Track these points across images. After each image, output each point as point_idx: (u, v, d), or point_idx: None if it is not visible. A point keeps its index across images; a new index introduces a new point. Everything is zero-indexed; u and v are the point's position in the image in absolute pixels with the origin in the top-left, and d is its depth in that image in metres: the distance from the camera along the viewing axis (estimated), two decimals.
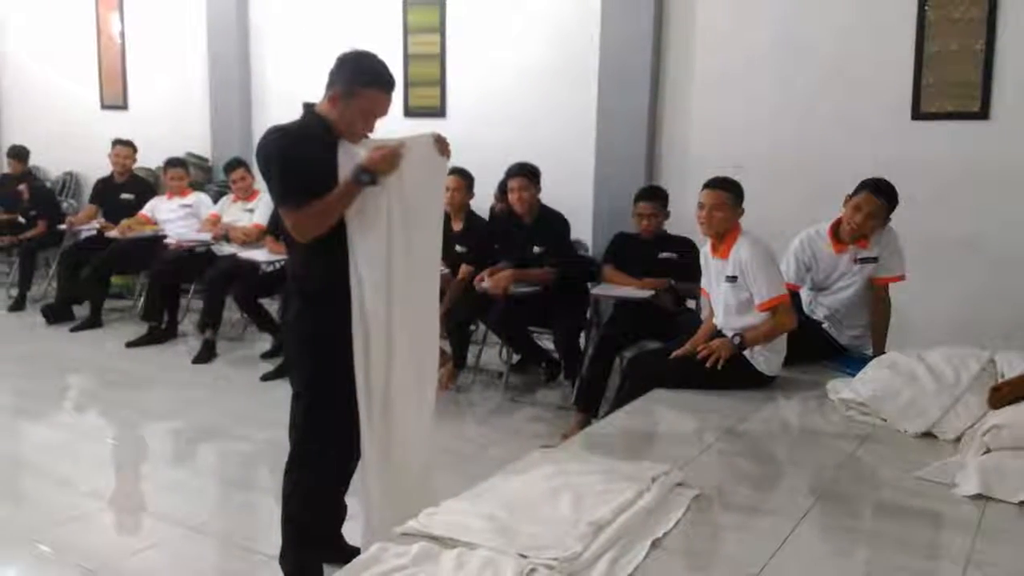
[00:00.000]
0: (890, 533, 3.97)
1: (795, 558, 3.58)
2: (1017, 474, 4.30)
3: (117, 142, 11.01)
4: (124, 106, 13.42)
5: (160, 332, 9.83)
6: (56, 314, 10.62)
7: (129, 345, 9.60)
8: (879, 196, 6.38)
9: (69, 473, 6.27)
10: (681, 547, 3.63)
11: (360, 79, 4.35)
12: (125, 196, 10.94)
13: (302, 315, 4.51)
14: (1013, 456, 4.45)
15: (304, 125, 4.42)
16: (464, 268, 8.15)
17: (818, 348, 6.65)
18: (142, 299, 10.47)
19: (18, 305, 11.31)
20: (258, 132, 10.40)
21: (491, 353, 8.73)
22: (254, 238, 9.68)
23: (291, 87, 10.62)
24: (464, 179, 8.49)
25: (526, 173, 7.93)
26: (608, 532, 3.48)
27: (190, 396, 8.07)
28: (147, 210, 10.66)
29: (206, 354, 9.17)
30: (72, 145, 13.59)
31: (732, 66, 8.63)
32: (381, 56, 4.45)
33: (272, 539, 4.71)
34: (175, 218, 10.47)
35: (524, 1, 9.86)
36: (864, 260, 6.52)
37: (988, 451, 4.57)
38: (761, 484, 4.68)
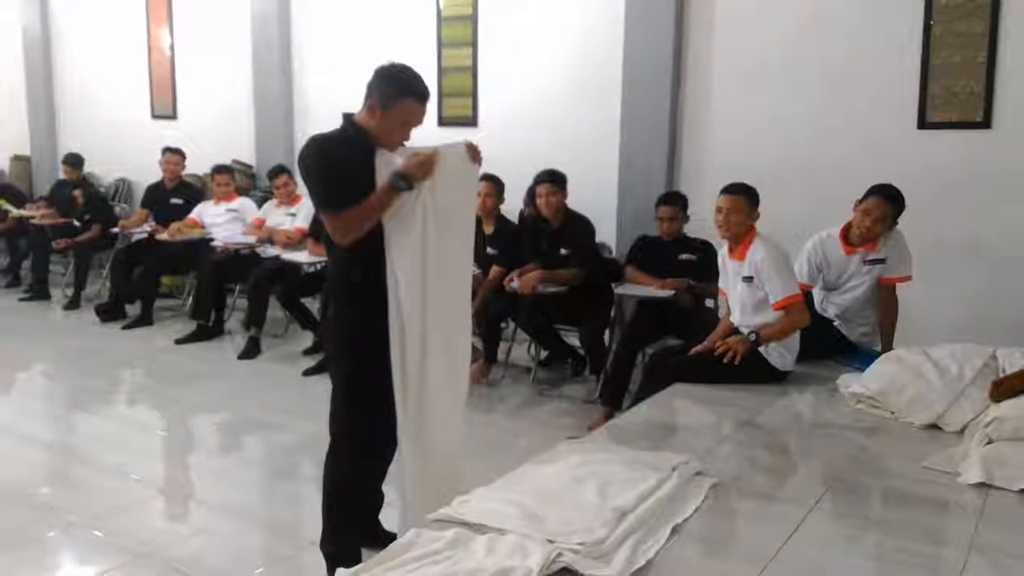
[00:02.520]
0: (897, 519, 4.00)
1: (808, 543, 3.59)
2: (1018, 463, 4.34)
3: (167, 150, 11.09)
4: (173, 116, 13.47)
5: (208, 329, 9.87)
6: (109, 312, 10.71)
7: (178, 342, 9.65)
8: (887, 201, 6.39)
9: (122, 463, 6.32)
10: (700, 532, 3.65)
11: (396, 90, 4.37)
12: (174, 201, 11.00)
13: (342, 313, 4.55)
14: (1014, 446, 4.47)
15: (343, 134, 4.46)
16: (495, 269, 8.16)
17: (829, 345, 6.68)
18: (191, 298, 10.59)
19: (73, 304, 11.39)
20: (300, 140, 10.43)
21: (520, 349, 8.74)
22: (296, 241, 9.72)
23: (331, 98, 10.59)
24: (495, 185, 8.56)
25: (553, 179, 7.95)
26: (631, 518, 3.50)
27: (236, 390, 8.13)
28: (195, 214, 10.72)
29: (251, 350, 9.20)
30: (124, 153, 13.68)
31: (749, 78, 8.62)
32: (416, 68, 4.48)
33: (314, 525, 4.74)
34: (222, 222, 10.54)
35: (551, 17, 9.85)
36: (873, 261, 6.53)
37: (990, 442, 4.58)
38: (776, 473, 4.70)
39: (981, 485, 4.27)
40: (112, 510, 5.57)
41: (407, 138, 4.51)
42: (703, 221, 7.78)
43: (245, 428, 7.22)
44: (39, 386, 8.61)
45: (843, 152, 8.08)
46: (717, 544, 3.67)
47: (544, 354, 8.62)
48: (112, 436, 6.93)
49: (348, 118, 4.50)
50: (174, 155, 11.12)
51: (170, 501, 5.95)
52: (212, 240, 10.31)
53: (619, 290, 7.78)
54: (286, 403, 7.65)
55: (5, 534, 5.34)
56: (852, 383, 5.86)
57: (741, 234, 6.17)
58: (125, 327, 10.40)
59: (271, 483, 6.23)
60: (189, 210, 10.81)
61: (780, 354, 6.08)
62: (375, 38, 10.98)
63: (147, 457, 6.58)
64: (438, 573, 3.07)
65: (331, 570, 4.49)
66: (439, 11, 10.63)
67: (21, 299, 11.80)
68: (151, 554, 5.00)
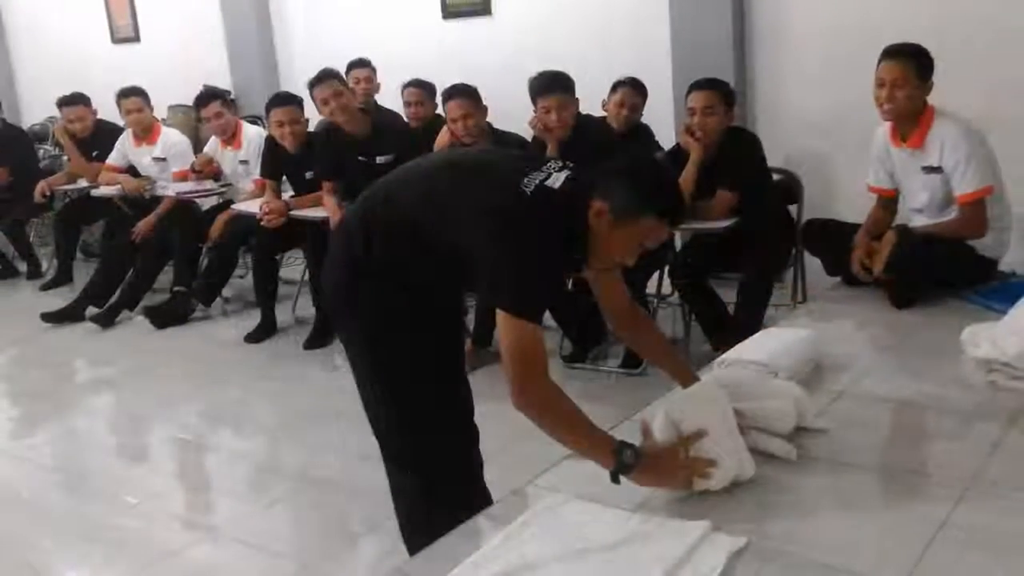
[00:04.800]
0: None
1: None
2: None
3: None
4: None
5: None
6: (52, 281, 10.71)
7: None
8: None
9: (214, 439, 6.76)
10: None
11: None
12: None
13: (395, 341, 3.81)
14: None
15: None
16: None
17: (961, 266, 5.46)
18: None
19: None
20: (281, 57, 10.39)
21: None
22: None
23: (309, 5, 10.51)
24: (469, 98, 7.28)
25: (564, 89, 6.89)
26: None
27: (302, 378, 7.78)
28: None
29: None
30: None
31: None
32: None
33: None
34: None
35: None
36: None
37: None
38: (877, 476, 3.61)
39: None
40: (194, 489, 6.06)
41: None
42: (779, 115, 7.64)
43: (315, 414, 6.93)
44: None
45: None
46: None
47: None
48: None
49: None
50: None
51: (257, 472, 6.19)
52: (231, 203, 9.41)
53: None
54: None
55: (50, 524, 5.44)
56: (982, 342, 4.16)
57: (913, 112, 5.41)
58: (43, 287, 10.59)
59: (341, 465, 5.96)
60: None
61: (993, 237, 5.33)
62: None
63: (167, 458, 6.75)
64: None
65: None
66: None
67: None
68: (224, 525, 5.34)
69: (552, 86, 6.82)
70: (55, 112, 10.89)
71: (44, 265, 11.43)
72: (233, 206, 9.07)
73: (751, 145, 6.80)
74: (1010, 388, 3.95)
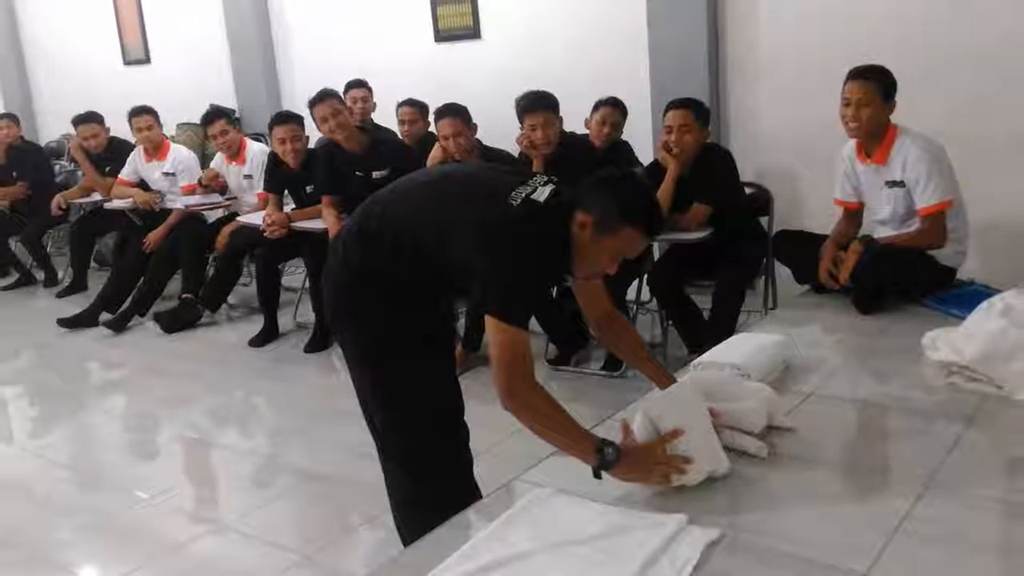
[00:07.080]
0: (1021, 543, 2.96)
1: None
2: None
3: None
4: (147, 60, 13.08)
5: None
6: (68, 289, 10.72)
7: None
8: None
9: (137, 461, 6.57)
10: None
11: None
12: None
13: (402, 367, 3.85)
14: None
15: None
16: None
17: (919, 274, 5.47)
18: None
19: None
20: (284, 76, 10.22)
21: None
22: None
23: (312, 24, 10.44)
24: (459, 117, 7.23)
25: (548, 105, 6.90)
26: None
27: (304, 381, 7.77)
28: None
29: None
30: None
31: None
32: None
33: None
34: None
35: None
36: None
37: None
38: (840, 476, 3.64)
39: None
40: (199, 482, 5.92)
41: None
42: (758, 131, 7.64)
43: (321, 415, 6.82)
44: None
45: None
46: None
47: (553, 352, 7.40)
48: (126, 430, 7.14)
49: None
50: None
51: (258, 472, 6.12)
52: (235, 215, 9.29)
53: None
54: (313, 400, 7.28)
55: (65, 517, 5.44)
56: (942, 346, 4.22)
57: (877, 130, 5.51)
58: (59, 295, 10.62)
59: (298, 481, 5.93)
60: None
61: (952, 248, 5.43)
62: None
63: (169, 456, 6.67)
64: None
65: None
66: None
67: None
68: (226, 517, 5.28)
69: (538, 105, 6.86)
70: (70, 130, 10.83)
71: (60, 273, 11.39)
72: (238, 218, 9.04)
73: (725, 161, 6.82)
74: (968, 389, 4.05)
